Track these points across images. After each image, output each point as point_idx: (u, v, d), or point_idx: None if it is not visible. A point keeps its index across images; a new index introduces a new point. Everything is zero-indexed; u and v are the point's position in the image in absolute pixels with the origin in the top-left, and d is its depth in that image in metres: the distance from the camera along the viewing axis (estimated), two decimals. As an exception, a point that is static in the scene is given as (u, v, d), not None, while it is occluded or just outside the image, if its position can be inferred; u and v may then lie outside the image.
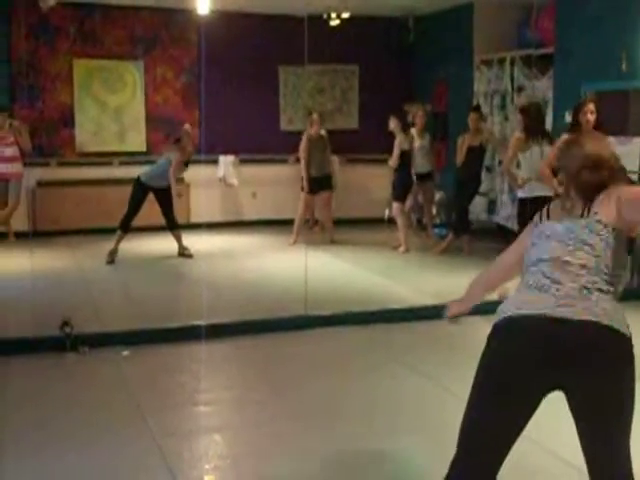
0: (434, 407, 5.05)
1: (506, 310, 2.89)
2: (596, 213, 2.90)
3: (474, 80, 11.42)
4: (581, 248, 2.86)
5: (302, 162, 10.69)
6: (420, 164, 10.62)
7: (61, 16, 11.34)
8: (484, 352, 2.90)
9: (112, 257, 9.38)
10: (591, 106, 7.07)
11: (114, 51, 11.85)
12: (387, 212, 11.23)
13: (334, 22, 11.39)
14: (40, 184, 11.44)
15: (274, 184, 12.26)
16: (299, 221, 10.81)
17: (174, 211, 9.68)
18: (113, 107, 11.92)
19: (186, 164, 9.79)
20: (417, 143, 10.54)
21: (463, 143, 9.92)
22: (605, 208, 2.90)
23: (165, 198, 9.58)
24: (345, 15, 11.34)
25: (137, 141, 12.00)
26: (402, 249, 10.17)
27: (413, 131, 10.52)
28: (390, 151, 10.22)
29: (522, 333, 2.81)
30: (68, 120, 11.71)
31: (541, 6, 9.97)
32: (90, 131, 11.82)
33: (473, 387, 2.89)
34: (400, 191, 10.31)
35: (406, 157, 10.23)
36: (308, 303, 7.02)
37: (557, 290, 2.82)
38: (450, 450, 2.94)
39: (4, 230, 10.48)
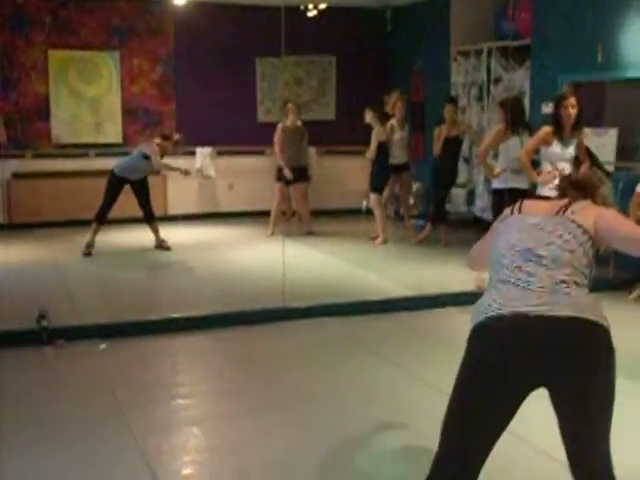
0: (408, 397, 5.07)
1: (486, 309, 2.83)
2: (573, 213, 2.93)
3: (451, 71, 11.45)
4: (553, 242, 2.87)
5: (277, 153, 10.68)
6: (398, 155, 10.60)
7: (36, 6, 11.26)
8: (467, 351, 2.85)
9: (89, 249, 9.33)
10: (572, 100, 7.09)
11: (90, 42, 11.76)
12: (365, 203, 11.24)
13: (311, 13, 11.37)
14: (15, 176, 11.37)
15: (251, 175, 12.24)
16: (275, 212, 10.81)
17: (151, 203, 9.63)
18: (89, 98, 11.84)
19: (161, 156, 9.72)
20: (397, 134, 10.51)
21: (440, 134, 9.95)
22: (582, 213, 2.94)
23: (141, 190, 9.54)
24: (322, 6, 11.32)
25: (113, 132, 11.94)
26: (379, 240, 10.19)
27: (393, 122, 10.49)
28: (367, 142, 10.22)
29: (506, 333, 2.77)
30: (43, 111, 11.62)
31: (518, -3, 10.01)
32: (66, 122, 11.74)
33: (456, 386, 2.85)
34: (377, 182, 10.31)
35: (383, 148, 10.23)
36: (286, 295, 7.02)
37: (535, 285, 2.80)
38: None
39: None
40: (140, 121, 12.07)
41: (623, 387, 2.98)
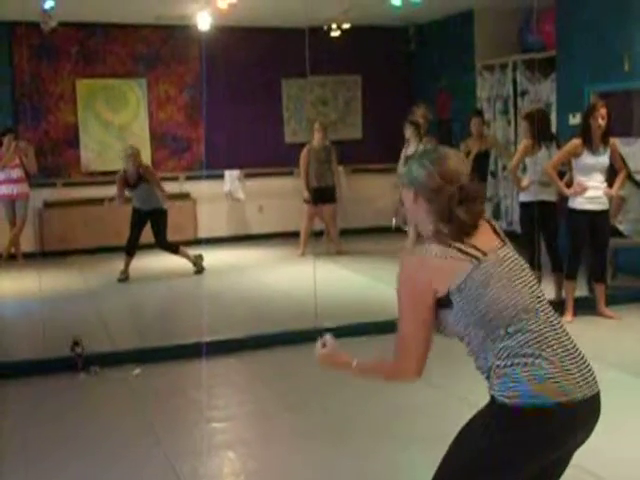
0: (449, 418, 5.00)
1: (552, 392, 2.40)
2: None
3: (477, 86, 11.42)
4: None
5: (302, 173, 10.69)
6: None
7: (63, 37, 11.36)
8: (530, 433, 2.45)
9: (123, 275, 9.38)
10: (603, 111, 6.99)
11: (116, 70, 11.89)
12: (394, 221, 11.19)
13: (335, 33, 11.38)
14: (47, 205, 11.47)
15: (280, 197, 12.25)
16: (305, 233, 10.79)
17: (166, 236, 9.52)
18: (117, 126, 11.95)
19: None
20: (410, 148, 10.41)
21: (467, 149, 9.89)
22: None
23: (154, 223, 9.50)
24: (346, 26, 11.33)
25: (142, 159, 11.95)
26: (411, 258, 10.10)
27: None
28: (395, 160, 10.18)
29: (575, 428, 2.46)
30: (73, 140, 11.74)
31: (541, 10, 9.96)
32: (95, 150, 11.85)
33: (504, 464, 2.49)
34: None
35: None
36: (318, 315, 6.99)
37: (568, 343, 2.52)
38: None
39: (13, 252, 10.49)
40: (169, 147, 12.16)
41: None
